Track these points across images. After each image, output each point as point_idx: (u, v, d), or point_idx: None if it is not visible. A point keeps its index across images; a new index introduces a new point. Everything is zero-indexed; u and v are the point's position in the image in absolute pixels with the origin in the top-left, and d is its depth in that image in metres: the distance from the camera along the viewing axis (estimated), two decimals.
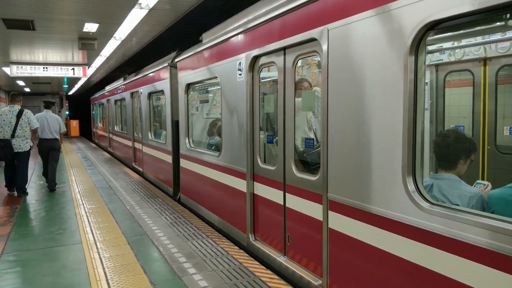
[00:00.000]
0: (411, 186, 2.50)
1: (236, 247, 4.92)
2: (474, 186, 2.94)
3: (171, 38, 10.38)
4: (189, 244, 5.02)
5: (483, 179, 5.05)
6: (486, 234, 2.09)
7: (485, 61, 5.04)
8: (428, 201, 2.43)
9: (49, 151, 8.58)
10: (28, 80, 18.53)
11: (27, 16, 7.28)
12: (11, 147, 7.69)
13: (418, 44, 2.45)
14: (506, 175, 4.80)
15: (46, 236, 5.54)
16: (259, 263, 4.37)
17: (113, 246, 4.99)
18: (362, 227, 2.93)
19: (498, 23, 2.67)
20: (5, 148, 7.63)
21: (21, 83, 20.31)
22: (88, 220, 6.20)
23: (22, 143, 7.86)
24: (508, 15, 2.30)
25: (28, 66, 12.77)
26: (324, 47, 3.25)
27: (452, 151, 2.73)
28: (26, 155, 8.03)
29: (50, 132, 8.48)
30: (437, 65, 5.55)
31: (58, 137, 8.65)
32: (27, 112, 7.99)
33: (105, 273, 4.15)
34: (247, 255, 4.66)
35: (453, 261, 2.25)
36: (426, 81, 5.59)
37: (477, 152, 5.07)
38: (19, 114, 7.85)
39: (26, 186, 8.32)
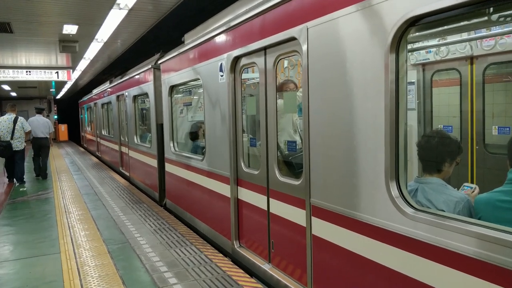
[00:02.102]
0: (394, 191, 2.36)
1: (221, 255, 4.76)
2: (461, 189, 2.82)
3: (157, 40, 10.21)
4: (172, 252, 4.85)
5: (472, 179, 4.95)
6: (473, 243, 1.96)
7: (471, 59, 4.94)
8: (413, 206, 2.29)
9: (41, 147, 10.86)
10: (13, 84, 18.17)
11: (3, 18, 7.06)
12: (11, 147, 9.67)
13: (399, 41, 2.32)
14: (494, 176, 4.70)
15: (25, 245, 5.34)
16: (243, 272, 4.22)
17: (92, 255, 4.80)
18: (346, 234, 2.79)
19: (481, 19, 2.56)
20: (6, 148, 9.59)
21: (6, 87, 19.93)
22: (70, 228, 5.99)
23: (18, 144, 9.89)
24: (491, 9, 2.19)
25: (11, 70, 12.48)
26: (304, 47, 3.11)
27: (436, 153, 2.60)
28: (22, 152, 10.15)
29: (41, 132, 10.77)
30: (423, 64, 5.45)
31: (48, 136, 10.96)
32: (20, 119, 10.01)
33: (81, 285, 3.97)
34: (231, 263, 4.51)
35: (439, 271, 2.12)
36: (413, 80, 5.50)
37: (463, 154, 4.97)
38: (15, 120, 9.83)
39: (24, 177, 10.48)
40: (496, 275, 1.87)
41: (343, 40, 2.72)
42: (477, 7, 1.98)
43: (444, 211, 2.36)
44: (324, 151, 2.97)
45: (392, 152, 2.36)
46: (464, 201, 2.37)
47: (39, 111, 11.28)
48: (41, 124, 10.79)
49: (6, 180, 10.50)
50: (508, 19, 2.48)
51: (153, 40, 9.99)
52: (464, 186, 2.83)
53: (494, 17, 2.37)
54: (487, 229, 1.93)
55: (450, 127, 5.29)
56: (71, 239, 5.46)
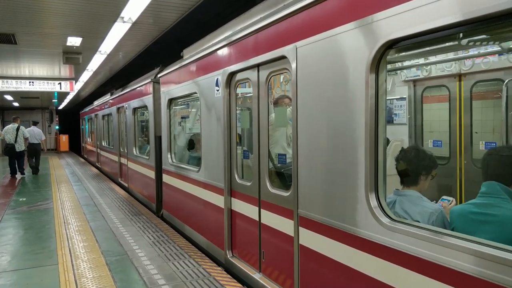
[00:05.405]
0: (373, 202, 2.50)
1: (219, 268, 4.80)
2: (439, 201, 2.95)
3: (159, 53, 10.43)
4: (170, 265, 4.91)
5: (460, 193, 5.07)
6: (444, 252, 2.09)
7: (459, 76, 5.12)
8: (389, 217, 2.43)
9: (35, 150, 14.64)
10: (16, 94, 18.43)
11: (7, 30, 7.25)
12: (14, 148, 13.26)
13: (379, 61, 2.49)
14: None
15: (23, 256, 5.35)
16: (236, 281, 4.31)
17: (90, 267, 4.85)
18: (330, 243, 2.92)
19: (453, 42, 2.73)
20: (11, 149, 13.23)
21: (9, 97, 20.18)
22: (68, 239, 6.06)
23: (20, 146, 13.43)
24: (461, 35, 2.35)
25: (14, 81, 12.75)
26: (293, 65, 3.28)
27: (412, 167, 2.75)
28: (23, 153, 13.87)
29: (35, 139, 14.60)
30: (414, 81, 5.62)
31: (40, 142, 14.87)
32: (21, 127, 13.63)
33: None
34: (229, 276, 4.56)
35: (414, 279, 2.24)
36: (404, 96, 5.67)
37: (452, 168, 5.11)
38: (17, 129, 13.36)
39: (24, 171, 14.14)
40: (466, 283, 1.99)
41: (328, 59, 2.89)
42: (447, 33, 2.15)
43: (419, 221, 2.49)
44: (310, 164, 3.12)
45: (372, 165, 2.51)
46: (437, 213, 2.50)
47: (35, 123, 15.76)
48: (36, 133, 14.68)
49: (9, 175, 13.79)
50: (478, 43, 2.65)
51: (155, 53, 10.21)
52: (442, 198, 2.96)
53: (464, 41, 2.54)
54: (458, 239, 2.06)
55: (440, 142, 5.44)
56: (69, 251, 5.50)
